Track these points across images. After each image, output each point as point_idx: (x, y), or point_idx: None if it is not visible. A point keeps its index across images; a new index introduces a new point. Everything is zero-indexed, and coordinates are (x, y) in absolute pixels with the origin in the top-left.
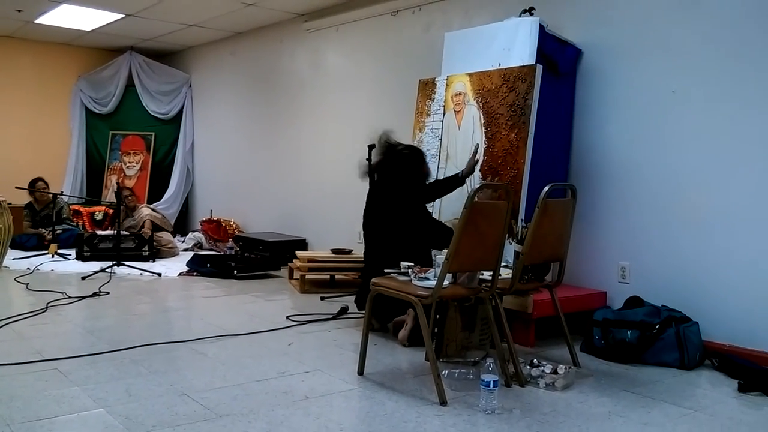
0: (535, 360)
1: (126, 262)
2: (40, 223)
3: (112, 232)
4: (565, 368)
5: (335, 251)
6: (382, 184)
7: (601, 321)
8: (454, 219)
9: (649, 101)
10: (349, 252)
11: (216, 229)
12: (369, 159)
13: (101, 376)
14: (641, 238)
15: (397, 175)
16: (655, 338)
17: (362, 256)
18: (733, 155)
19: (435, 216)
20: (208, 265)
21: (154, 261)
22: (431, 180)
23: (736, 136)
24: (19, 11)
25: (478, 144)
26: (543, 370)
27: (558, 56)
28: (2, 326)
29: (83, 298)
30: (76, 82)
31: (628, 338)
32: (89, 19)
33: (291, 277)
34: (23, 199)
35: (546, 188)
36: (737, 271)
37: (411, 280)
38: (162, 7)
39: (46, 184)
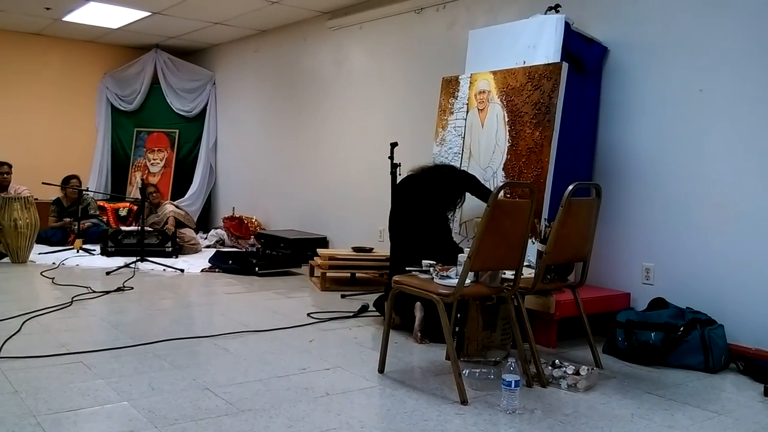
0: (557, 361)
1: (149, 258)
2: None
3: (136, 228)
4: (588, 369)
5: (356, 249)
6: (422, 194)
7: (624, 322)
8: (477, 218)
9: (675, 100)
10: (370, 250)
11: (238, 226)
12: (391, 157)
13: (125, 370)
14: (666, 239)
15: (440, 190)
16: (679, 341)
17: (383, 254)
18: (761, 155)
19: (456, 213)
20: (230, 261)
21: (177, 257)
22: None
23: (765, 135)
24: (48, 9)
25: None
26: (565, 371)
27: (584, 54)
28: (29, 319)
29: (107, 292)
30: (102, 80)
31: (652, 340)
32: (116, 17)
33: (312, 274)
34: (48, 194)
35: (570, 187)
36: (763, 273)
37: (432, 278)
38: (187, 5)
39: (80, 182)
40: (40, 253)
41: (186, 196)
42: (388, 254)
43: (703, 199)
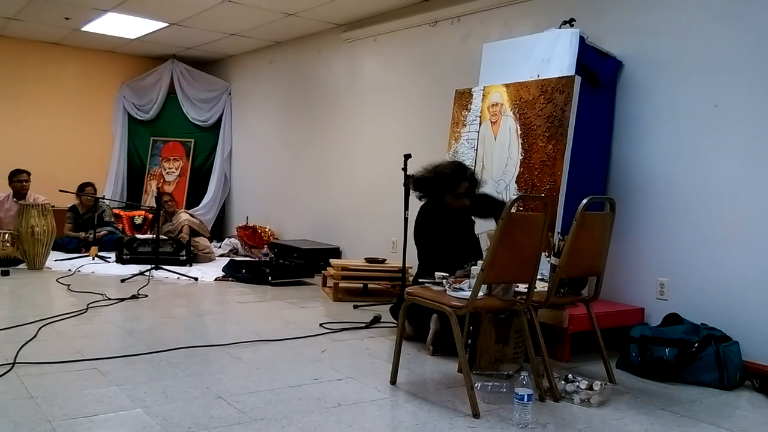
0: (570, 375)
1: (164, 266)
2: (82, 225)
3: (151, 236)
4: (601, 384)
5: (369, 260)
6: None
7: (638, 338)
8: (490, 230)
9: (690, 115)
10: (383, 261)
11: (252, 235)
12: (405, 169)
13: (139, 377)
14: (681, 254)
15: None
16: (693, 357)
17: (395, 266)
18: None
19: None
20: (244, 270)
21: (191, 265)
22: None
23: None
24: (67, 19)
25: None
26: (578, 386)
27: (598, 68)
28: (45, 326)
29: (122, 300)
30: (119, 89)
31: (666, 356)
32: (134, 28)
33: (324, 284)
34: (65, 201)
35: (584, 201)
36: None
37: (445, 290)
38: (204, 16)
39: (95, 189)
40: (56, 260)
41: (200, 205)
42: (401, 265)
43: (719, 215)
